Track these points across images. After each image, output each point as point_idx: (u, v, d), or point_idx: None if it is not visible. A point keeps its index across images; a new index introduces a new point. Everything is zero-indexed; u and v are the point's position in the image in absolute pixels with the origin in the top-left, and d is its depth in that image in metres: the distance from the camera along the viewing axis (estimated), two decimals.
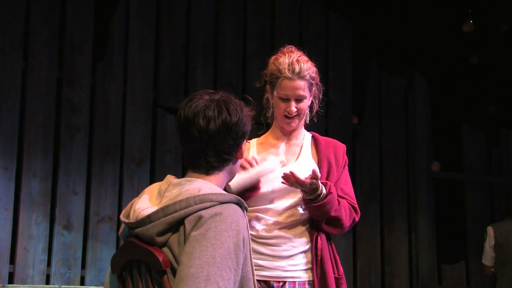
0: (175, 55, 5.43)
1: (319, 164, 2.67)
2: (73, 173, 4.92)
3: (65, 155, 4.91)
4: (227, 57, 5.62)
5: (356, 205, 2.68)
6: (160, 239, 1.88)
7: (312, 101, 2.72)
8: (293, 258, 2.58)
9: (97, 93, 5.11)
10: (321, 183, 2.53)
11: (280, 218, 2.61)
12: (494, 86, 6.69)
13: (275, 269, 2.57)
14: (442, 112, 6.57)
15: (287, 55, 2.66)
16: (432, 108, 6.41)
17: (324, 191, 2.52)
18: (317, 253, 2.57)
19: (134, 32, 5.28)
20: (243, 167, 2.52)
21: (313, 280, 2.56)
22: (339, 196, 2.64)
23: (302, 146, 2.73)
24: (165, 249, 1.87)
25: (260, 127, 2.77)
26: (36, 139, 4.82)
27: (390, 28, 6.25)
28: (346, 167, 2.74)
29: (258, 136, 2.79)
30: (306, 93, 2.64)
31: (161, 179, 2.08)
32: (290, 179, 2.48)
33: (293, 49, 2.70)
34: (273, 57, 2.70)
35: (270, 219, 2.61)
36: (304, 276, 2.58)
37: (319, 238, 2.59)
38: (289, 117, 2.66)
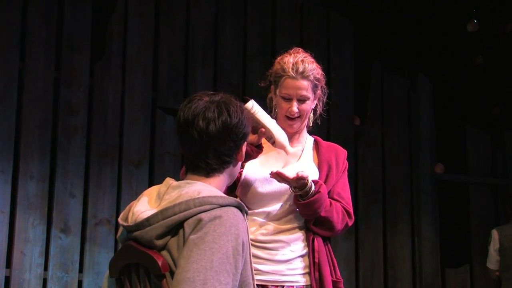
0: (174, 55, 5.43)
1: (319, 167, 2.68)
2: (70, 175, 4.91)
3: (63, 156, 4.91)
4: (227, 57, 5.62)
5: (351, 210, 2.69)
6: (159, 243, 1.88)
7: (316, 104, 2.72)
8: (291, 262, 2.59)
9: (95, 94, 5.11)
10: (313, 181, 2.53)
11: (277, 222, 2.62)
12: (499, 86, 6.69)
13: (272, 274, 2.57)
14: (445, 113, 6.56)
15: (293, 55, 2.68)
16: (436, 109, 6.41)
17: (313, 189, 2.52)
18: (314, 256, 2.57)
19: (132, 31, 5.28)
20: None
21: (311, 285, 2.57)
22: (334, 199, 2.65)
23: (303, 149, 2.74)
24: (164, 253, 1.88)
25: None
26: (33, 140, 4.82)
27: (393, 28, 6.25)
28: (346, 172, 2.76)
29: None
30: (309, 94, 2.64)
31: (160, 181, 2.08)
32: (277, 178, 2.49)
33: (300, 50, 2.72)
34: (279, 57, 2.72)
35: (267, 222, 2.61)
36: (302, 281, 2.59)
37: (315, 240, 2.60)
38: (290, 118, 2.66)
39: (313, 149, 2.76)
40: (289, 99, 2.65)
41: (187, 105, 2.02)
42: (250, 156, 2.51)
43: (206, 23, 5.58)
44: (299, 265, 2.60)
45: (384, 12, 6.19)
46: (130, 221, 1.95)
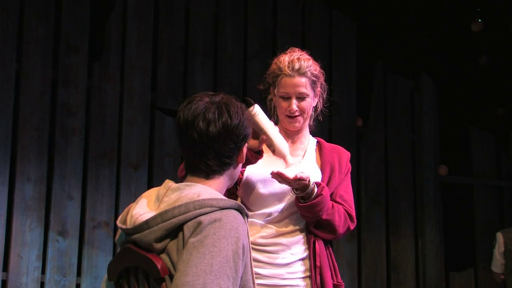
0: (173, 56, 5.43)
1: (322, 169, 2.68)
2: (68, 177, 4.91)
3: (60, 158, 4.91)
4: (228, 58, 5.62)
5: (353, 214, 2.69)
6: (159, 246, 1.88)
7: (317, 101, 2.73)
8: (291, 265, 2.59)
9: (93, 95, 5.11)
10: (315, 184, 2.53)
11: (278, 224, 2.62)
12: (504, 87, 6.69)
13: (272, 277, 2.57)
14: (449, 114, 6.56)
15: (288, 54, 2.70)
16: (440, 110, 6.41)
17: (315, 191, 2.52)
18: (316, 259, 2.57)
19: (131, 31, 5.28)
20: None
21: None
22: (336, 202, 2.65)
23: (306, 150, 2.74)
24: (164, 256, 1.88)
25: None
26: (30, 142, 4.82)
27: (396, 28, 6.25)
28: (349, 175, 2.76)
29: None
30: (308, 91, 2.64)
31: (159, 183, 2.08)
32: (278, 178, 2.49)
33: (296, 49, 2.73)
34: (275, 58, 2.73)
35: (268, 225, 2.61)
36: (302, 284, 2.59)
37: (317, 243, 2.60)
38: (291, 116, 2.67)
39: (316, 151, 2.76)
40: (288, 98, 2.65)
41: (187, 106, 2.02)
42: (249, 161, 2.51)
43: (206, 23, 5.59)
44: (299, 269, 2.59)
45: (387, 11, 6.19)
46: (129, 224, 1.95)
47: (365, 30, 6.22)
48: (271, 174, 2.49)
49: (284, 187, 2.56)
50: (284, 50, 2.75)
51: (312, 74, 2.65)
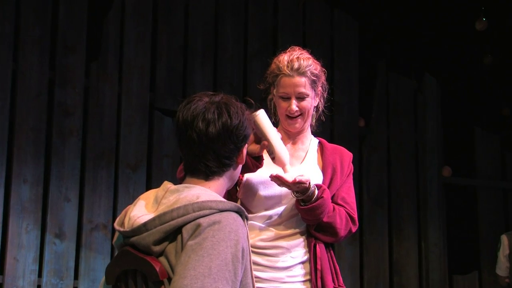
0: (172, 55, 5.43)
1: (323, 170, 2.68)
2: (65, 178, 4.91)
3: (57, 160, 4.91)
4: (228, 57, 5.63)
5: (355, 216, 2.68)
6: (157, 248, 1.88)
7: (318, 101, 2.72)
8: (291, 269, 2.58)
9: (91, 95, 5.11)
10: (316, 186, 2.53)
11: (278, 227, 2.61)
12: (509, 87, 6.69)
13: (272, 281, 2.56)
14: (453, 114, 6.56)
15: (288, 53, 2.69)
16: (443, 110, 6.41)
17: (316, 193, 2.52)
18: (316, 262, 2.57)
19: (129, 30, 5.28)
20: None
21: None
22: (338, 204, 2.64)
23: (307, 151, 2.73)
24: (162, 259, 1.87)
25: None
26: (27, 143, 4.83)
27: (399, 26, 6.25)
28: (351, 176, 2.75)
29: None
30: (308, 90, 2.63)
31: (158, 185, 2.08)
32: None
33: (297, 48, 2.71)
34: (275, 57, 2.72)
35: (268, 228, 2.61)
36: None
37: (317, 246, 2.59)
38: (291, 117, 2.66)
39: (317, 151, 2.75)
40: (287, 98, 2.65)
41: (186, 106, 2.01)
42: (248, 169, 2.50)
43: (206, 23, 5.59)
44: (300, 272, 2.59)
45: (390, 10, 6.19)
46: (127, 226, 1.95)
47: (367, 29, 6.22)
48: (270, 176, 2.48)
49: (284, 189, 2.56)
50: (284, 49, 2.75)
51: (312, 73, 2.64)
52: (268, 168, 2.58)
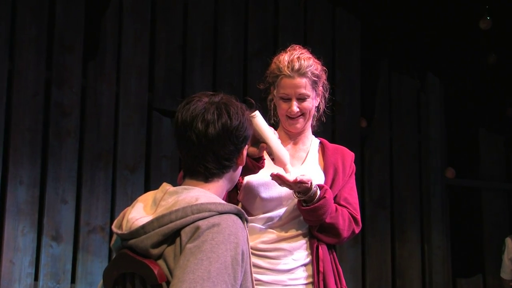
0: (171, 54, 5.43)
1: (325, 171, 2.67)
2: (62, 180, 4.91)
3: (54, 161, 4.91)
4: (227, 57, 5.62)
5: (358, 217, 2.68)
6: (155, 251, 1.87)
7: (319, 101, 2.72)
8: (293, 271, 2.58)
9: (88, 95, 5.11)
10: (318, 186, 2.53)
11: (279, 229, 2.61)
12: None
13: (274, 284, 2.56)
14: (457, 115, 6.56)
15: (288, 53, 2.68)
16: (446, 111, 6.41)
17: (318, 194, 2.52)
18: (319, 265, 2.56)
19: (127, 29, 5.28)
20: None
21: None
22: (340, 205, 2.64)
23: (308, 151, 2.73)
24: (160, 262, 1.87)
25: None
26: (23, 143, 4.82)
27: (402, 25, 6.25)
28: (353, 176, 2.75)
29: None
30: (308, 91, 2.63)
31: (156, 186, 2.08)
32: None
33: (297, 47, 2.71)
34: (275, 56, 2.72)
35: (269, 230, 2.60)
36: None
37: (320, 248, 2.59)
38: (292, 117, 2.66)
39: (318, 152, 2.75)
40: (288, 99, 2.64)
41: (185, 106, 2.01)
42: (249, 170, 2.49)
43: (205, 22, 5.59)
44: (302, 275, 2.58)
45: (392, 9, 6.19)
46: (125, 229, 1.95)
47: (369, 29, 6.22)
48: (270, 175, 2.48)
49: (286, 190, 2.55)
50: (284, 48, 2.74)
51: (312, 74, 2.64)
52: (268, 170, 2.58)
